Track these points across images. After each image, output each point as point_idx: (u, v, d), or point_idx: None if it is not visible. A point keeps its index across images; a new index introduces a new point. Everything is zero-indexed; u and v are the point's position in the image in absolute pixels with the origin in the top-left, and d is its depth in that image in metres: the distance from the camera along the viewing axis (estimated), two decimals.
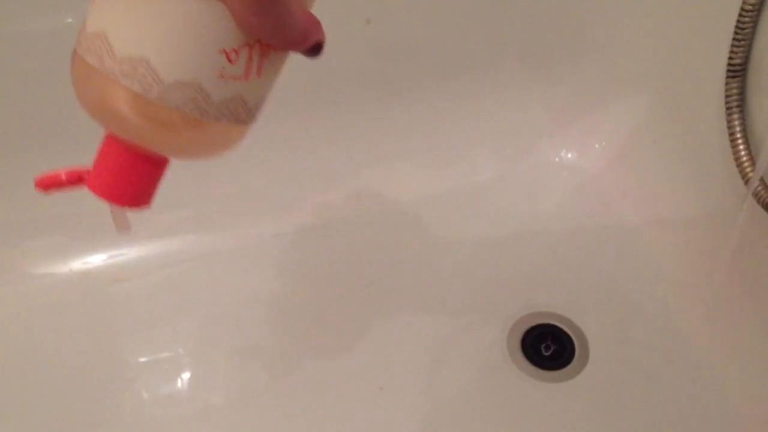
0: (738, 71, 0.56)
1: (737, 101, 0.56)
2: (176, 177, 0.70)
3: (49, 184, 0.33)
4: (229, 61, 0.27)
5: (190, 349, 0.64)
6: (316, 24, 0.29)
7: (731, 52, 0.55)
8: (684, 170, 0.68)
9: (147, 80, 0.27)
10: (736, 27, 0.54)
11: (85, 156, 0.73)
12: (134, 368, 0.62)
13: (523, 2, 0.70)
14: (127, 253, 0.70)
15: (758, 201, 0.54)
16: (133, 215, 0.69)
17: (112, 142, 0.31)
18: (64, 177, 0.33)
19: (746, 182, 0.55)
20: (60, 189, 0.33)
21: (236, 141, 0.32)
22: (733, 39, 0.55)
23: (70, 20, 0.60)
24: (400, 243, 0.72)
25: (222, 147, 0.32)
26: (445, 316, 0.66)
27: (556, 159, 0.78)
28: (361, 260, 0.71)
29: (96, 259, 0.70)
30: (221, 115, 0.29)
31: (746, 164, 0.56)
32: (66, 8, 0.60)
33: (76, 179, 0.33)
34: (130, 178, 0.32)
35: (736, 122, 0.57)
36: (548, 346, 0.63)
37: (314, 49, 0.29)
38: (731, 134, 0.57)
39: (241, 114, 0.30)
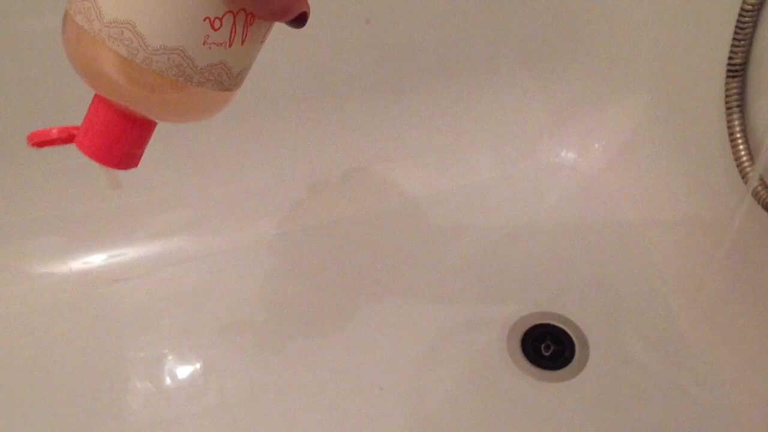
0: (738, 71, 0.56)
1: (737, 101, 0.56)
2: (176, 177, 0.70)
3: (40, 141, 0.34)
4: (213, 28, 0.28)
5: (188, 349, 0.64)
6: None
7: (731, 52, 0.55)
8: (684, 170, 0.68)
9: (133, 44, 0.27)
10: (736, 27, 0.54)
11: (86, 156, 0.72)
12: (134, 368, 0.62)
13: (522, 2, 0.70)
14: (127, 253, 0.70)
15: (758, 201, 0.54)
16: (134, 214, 0.69)
17: (100, 102, 0.31)
18: (55, 134, 0.34)
19: (746, 182, 0.55)
20: (51, 144, 0.34)
21: (221, 106, 0.32)
22: (733, 39, 0.55)
23: None
24: (399, 243, 0.72)
25: (207, 111, 0.32)
26: (445, 315, 0.66)
27: (556, 159, 0.78)
28: (361, 260, 0.71)
29: (96, 259, 0.70)
30: (205, 81, 0.29)
31: (746, 164, 0.56)
32: None
33: (67, 137, 0.33)
34: (117, 138, 0.32)
35: (736, 122, 0.57)
36: (548, 346, 0.63)
37: (298, 20, 0.29)
38: (731, 134, 0.57)
39: (224, 80, 0.30)
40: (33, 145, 0.34)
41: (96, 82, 0.30)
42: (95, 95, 0.32)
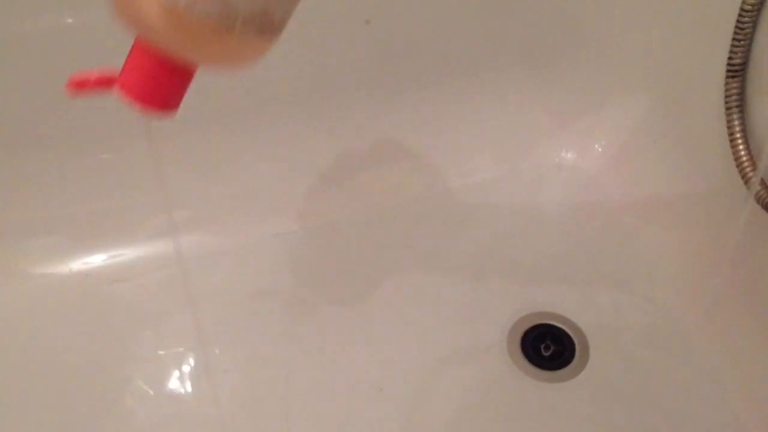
0: (738, 71, 0.56)
1: (737, 101, 0.56)
2: (176, 177, 0.70)
3: (78, 86, 0.33)
4: None
5: (189, 348, 0.64)
6: None
7: (731, 52, 0.55)
8: (684, 170, 0.68)
9: None
10: (736, 27, 0.54)
11: (85, 156, 0.73)
12: (134, 368, 0.62)
13: (523, 2, 0.70)
14: (127, 253, 0.70)
15: (758, 201, 0.54)
16: (134, 214, 0.69)
17: (140, 48, 0.31)
18: (94, 79, 0.33)
19: (746, 182, 0.55)
20: (89, 91, 0.33)
21: (260, 54, 0.32)
22: (733, 39, 0.55)
23: (70, 20, 0.60)
24: (399, 243, 0.72)
25: (247, 59, 0.32)
26: (445, 316, 0.66)
27: (556, 159, 0.78)
28: (361, 260, 0.71)
29: (96, 259, 0.70)
30: (247, 27, 0.29)
31: (746, 164, 0.56)
32: (66, 8, 0.60)
33: (105, 82, 0.33)
34: (157, 83, 0.32)
35: (736, 122, 0.57)
36: (548, 346, 0.63)
37: None
38: (731, 134, 0.57)
39: (266, 27, 0.30)
40: (71, 90, 0.33)
41: (137, 28, 0.30)
42: (136, 40, 0.31)
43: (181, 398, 0.61)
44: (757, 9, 0.53)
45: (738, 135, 0.56)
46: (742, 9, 0.54)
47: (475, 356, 0.62)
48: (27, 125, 0.65)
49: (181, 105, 0.33)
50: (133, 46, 0.32)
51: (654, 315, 0.65)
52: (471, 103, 0.76)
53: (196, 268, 0.70)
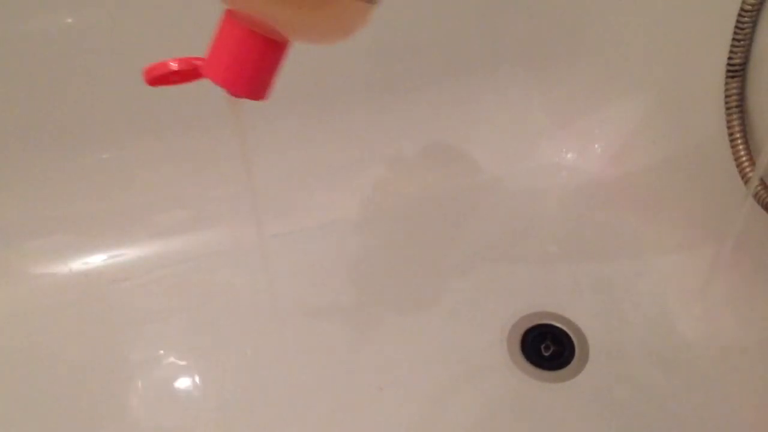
0: (738, 71, 0.56)
1: (737, 101, 0.56)
2: (176, 177, 0.70)
3: (157, 76, 0.30)
4: None
5: (189, 349, 0.64)
6: None
7: (731, 52, 0.55)
8: (684, 170, 0.68)
9: None
10: (736, 27, 0.54)
11: (85, 156, 0.73)
12: (134, 368, 0.62)
13: (522, 3, 0.70)
14: (127, 253, 0.70)
15: (758, 201, 0.54)
16: (134, 214, 0.69)
17: (231, 24, 0.28)
18: (174, 66, 0.30)
19: (746, 182, 0.55)
20: (169, 81, 0.30)
21: (363, 20, 0.29)
22: (733, 39, 0.55)
23: (70, 20, 0.60)
24: (399, 243, 0.72)
25: (346, 26, 0.29)
26: (445, 316, 0.66)
27: (556, 159, 0.78)
28: (360, 260, 0.71)
29: (96, 259, 0.70)
30: None
31: (746, 164, 0.56)
32: (66, 8, 0.60)
33: (190, 70, 0.30)
34: (250, 63, 0.29)
35: (736, 122, 0.57)
36: (548, 346, 0.63)
37: None
38: (731, 134, 0.57)
39: None
40: (150, 81, 0.30)
41: None
42: (225, 18, 0.28)
43: (181, 398, 0.61)
44: (757, 9, 0.53)
45: (738, 135, 0.56)
46: (742, 9, 0.54)
47: (475, 356, 0.62)
48: (27, 125, 0.65)
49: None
50: (220, 27, 0.29)
51: (653, 314, 0.65)
52: (471, 103, 0.76)
53: (196, 268, 0.70)
